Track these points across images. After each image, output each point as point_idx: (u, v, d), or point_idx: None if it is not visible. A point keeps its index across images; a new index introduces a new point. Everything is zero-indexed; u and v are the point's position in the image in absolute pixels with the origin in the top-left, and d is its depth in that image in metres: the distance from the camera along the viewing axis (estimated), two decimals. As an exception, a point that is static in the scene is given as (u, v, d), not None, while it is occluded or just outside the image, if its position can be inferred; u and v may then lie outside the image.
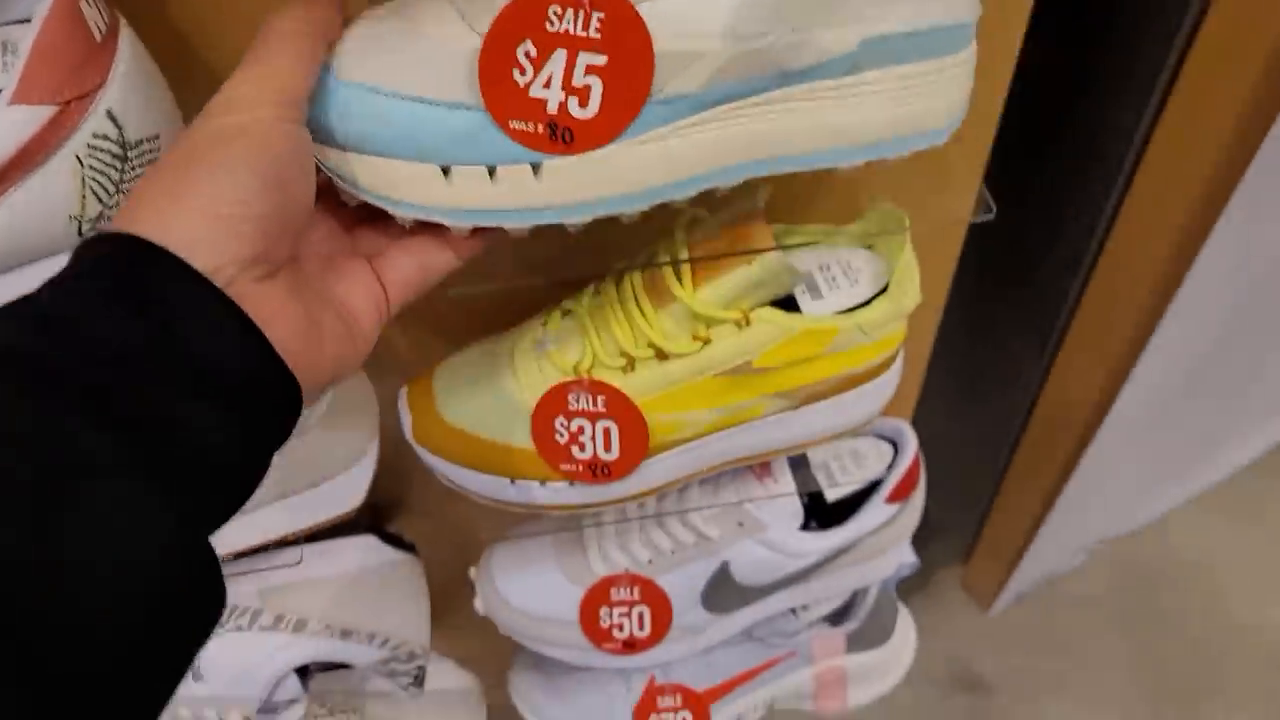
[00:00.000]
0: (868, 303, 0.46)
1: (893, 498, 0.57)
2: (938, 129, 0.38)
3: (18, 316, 0.26)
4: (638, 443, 0.44)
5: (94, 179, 0.34)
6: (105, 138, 0.35)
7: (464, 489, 0.47)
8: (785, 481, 0.57)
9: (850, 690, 0.69)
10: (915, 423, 0.61)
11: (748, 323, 0.43)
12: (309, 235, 0.34)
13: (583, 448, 0.44)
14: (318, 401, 0.43)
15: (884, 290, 0.46)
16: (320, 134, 0.33)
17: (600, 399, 0.44)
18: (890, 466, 0.58)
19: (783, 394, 0.45)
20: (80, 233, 0.34)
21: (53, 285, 0.27)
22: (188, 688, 0.53)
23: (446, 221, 0.34)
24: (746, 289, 0.43)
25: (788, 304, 0.45)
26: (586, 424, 0.44)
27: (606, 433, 0.44)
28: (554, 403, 0.44)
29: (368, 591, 0.56)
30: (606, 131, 0.33)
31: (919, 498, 0.59)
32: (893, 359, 0.48)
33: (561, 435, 0.44)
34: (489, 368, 0.46)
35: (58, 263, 0.28)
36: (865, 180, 0.39)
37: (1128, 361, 0.63)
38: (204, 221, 0.27)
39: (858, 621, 0.66)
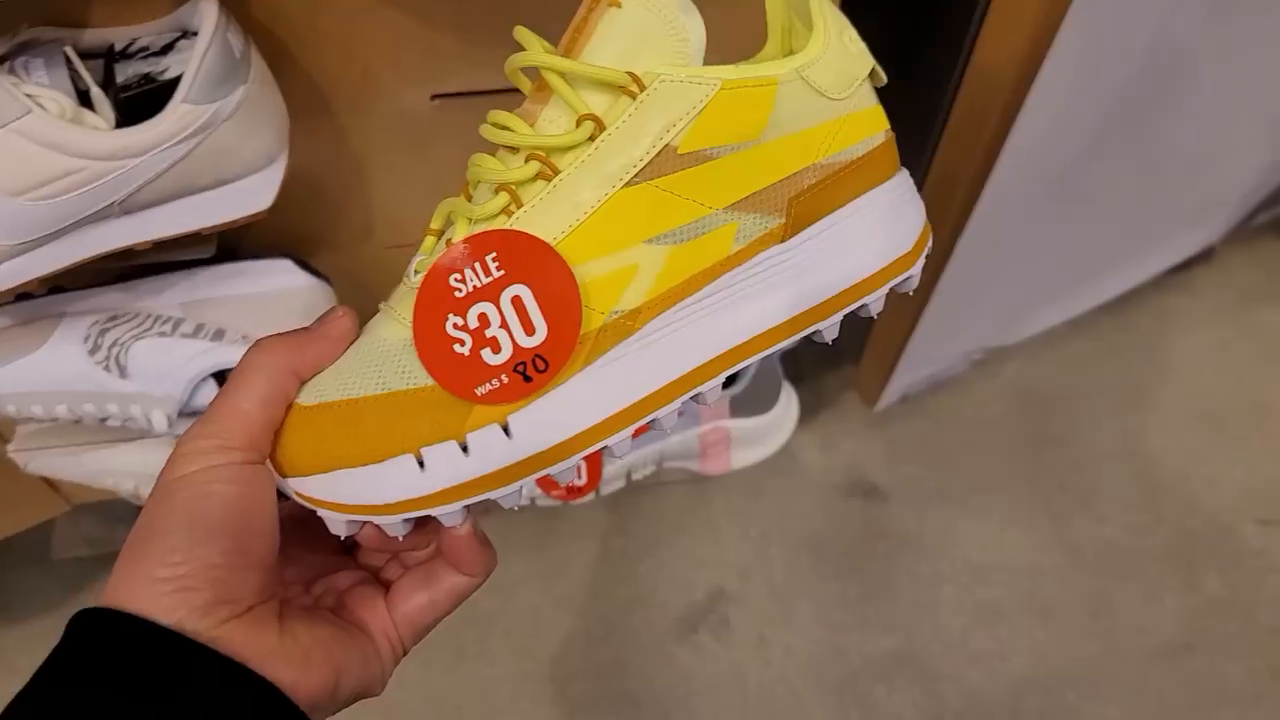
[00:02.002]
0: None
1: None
2: None
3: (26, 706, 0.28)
4: (564, 295, 0.32)
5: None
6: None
7: (352, 513, 0.33)
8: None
9: (733, 452, 0.76)
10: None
11: (640, 87, 0.32)
12: (303, 562, 0.36)
13: (497, 347, 0.32)
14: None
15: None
16: None
17: (491, 258, 0.32)
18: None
19: (753, 209, 0.34)
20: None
21: (44, 672, 0.29)
22: (116, 384, 0.59)
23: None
24: (628, 42, 0.33)
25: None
26: (489, 308, 0.32)
27: (518, 303, 0.32)
28: (433, 299, 0.32)
29: (282, 309, 0.61)
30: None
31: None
32: (891, 150, 0.38)
33: (461, 342, 0.32)
34: (360, 340, 0.35)
35: None
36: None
37: (992, 160, 0.68)
38: (149, 585, 0.29)
39: (742, 386, 0.72)
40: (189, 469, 0.31)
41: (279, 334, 0.34)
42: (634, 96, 0.33)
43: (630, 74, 0.33)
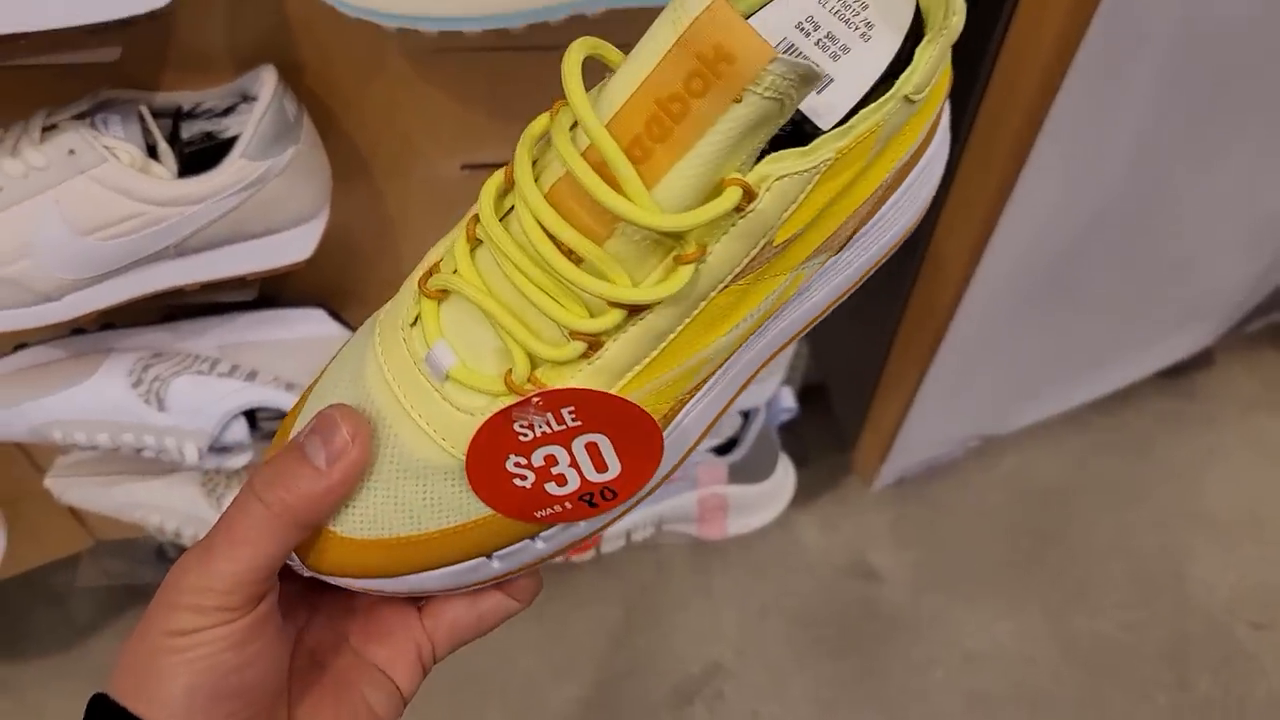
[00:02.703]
0: (902, 53, 0.31)
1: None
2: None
3: None
4: (643, 442, 0.30)
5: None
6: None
7: (430, 591, 0.33)
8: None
9: (730, 519, 0.79)
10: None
11: (749, 199, 0.27)
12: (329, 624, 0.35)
13: (563, 481, 0.30)
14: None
15: (917, 19, 0.31)
16: None
17: (568, 412, 0.29)
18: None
19: (820, 248, 0.31)
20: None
21: None
22: (154, 416, 0.64)
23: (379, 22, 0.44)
24: (731, 145, 0.26)
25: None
26: (558, 450, 0.30)
27: (592, 448, 0.30)
28: (495, 441, 0.30)
29: (312, 356, 0.66)
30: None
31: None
32: (939, 109, 0.32)
33: (523, 478, 0.30)
34: (385, 458, 0.31)
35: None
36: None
37: (980, 253, 0.73)
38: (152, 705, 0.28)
39: (741, 454, 0.76)
40: (187, 620, 0.29)
41: (280, 466, 0.30)
42: (742, 211, 0.27)
43: (742, 187, 0.27)
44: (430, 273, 0.31)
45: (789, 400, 0.75)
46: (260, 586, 0.29)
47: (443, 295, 0.31)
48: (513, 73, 0.57)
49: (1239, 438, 1.24)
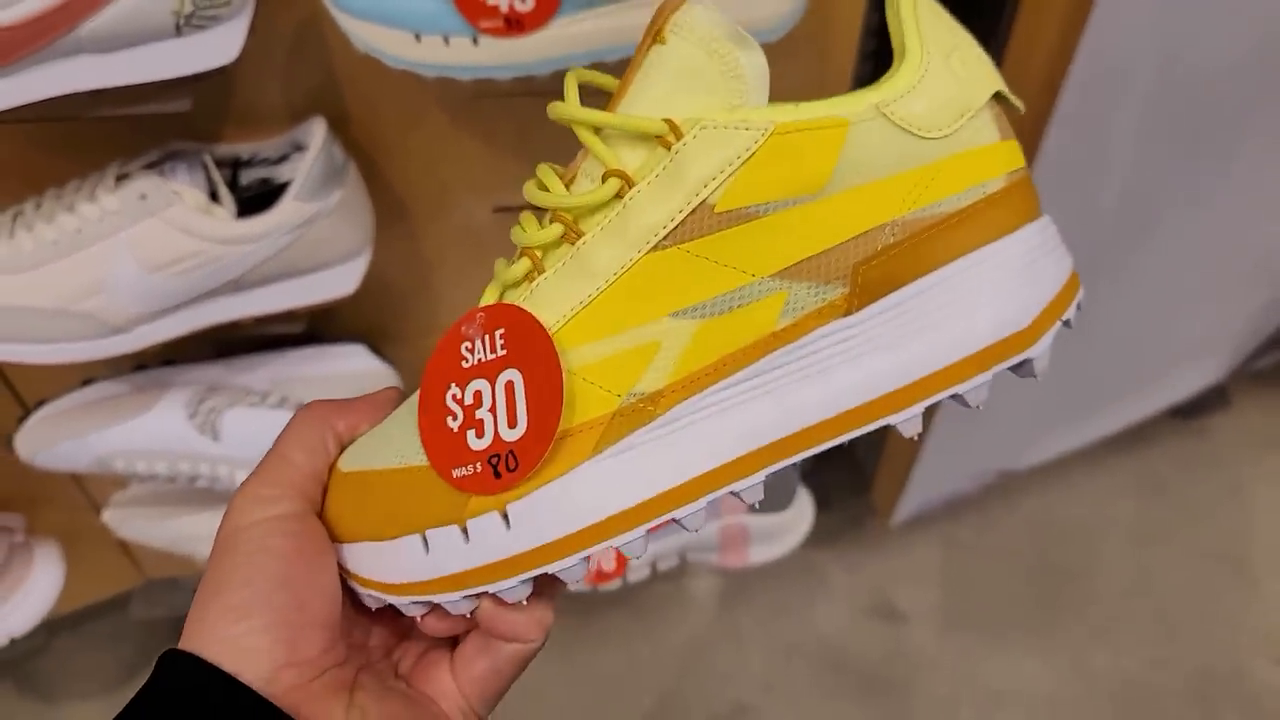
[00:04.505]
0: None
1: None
2: (777, 27, 0.52)
3: None
4: (549, 402, 0.29)
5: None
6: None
7: (366, 588, 0.32)
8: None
9: (752, 548, 0.82)
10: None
11: (677, 136, 0.28)
12: (389, 627, 0.35)
13: (481, 431, 0.30)
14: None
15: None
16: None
17: (500, 334, 0.30)
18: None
19: (808, 277, 0.29)
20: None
21: (133, 707, 0.30)
22: (209, 446, 0.68)
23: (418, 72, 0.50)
24: (667, 87, 0.29)
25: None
26: (484, 386, 0.30)
27: (510, 390, 0.30)
28: (444, 363, 0.31)
29: (354, 389, 0.70)
30: None
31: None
32: (1019, 195, 0.31)
33: (454, 415, 0.30)
34: (400, 409, 0.34)
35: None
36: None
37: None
38: (219, 644, 0.29)
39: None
40: (244, 521, 0.31)
41: (327, 399, 0.35)
42: (669, 147, 0.29)
43: (668, 121, 0.29)
44: None
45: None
46: (308, 483, 0.32)
47: None
48: (539, 118, 0.62)
49: (1257, 476, 1.25)
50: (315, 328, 0.69)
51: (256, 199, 0.60)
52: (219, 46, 0.51)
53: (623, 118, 0.29)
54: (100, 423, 0.66)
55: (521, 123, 0.63)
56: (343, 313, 0.63)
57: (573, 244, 0.30)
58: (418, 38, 0.50)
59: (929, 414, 0.79)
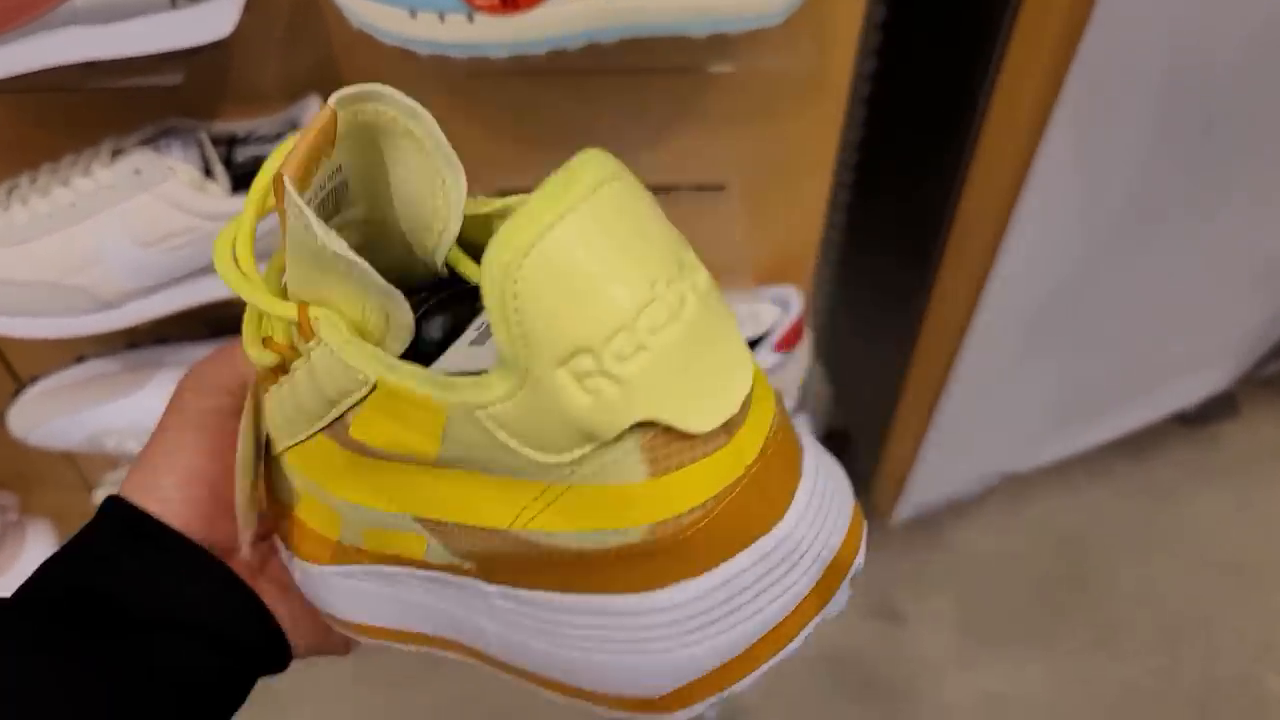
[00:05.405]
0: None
1: (779, 346, 0.70)
2: (774, 11, 0.52)
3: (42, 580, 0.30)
4: None
5: None
6: None
7: None
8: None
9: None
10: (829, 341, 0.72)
11: (311, 334, 0.24)
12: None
13: None
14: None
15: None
16: None
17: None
18: (777, 321, 0.71)
19: (436, 534, 0.26)
20: None
21: (65, 550, 0.30)
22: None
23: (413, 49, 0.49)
24: (292, 254, 0.24)
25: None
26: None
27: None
28: None
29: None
30: None
31: (803, 351, 0.72)
32: (675, 554, 0.23)
33: None
34: None
35: None
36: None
37: (981, 288, 0.76)
38: (158, 502, 0.31)
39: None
40: (204, 403, 0.32)
41: None
42: (307, 340, 0.24)
43: (300, 312, 0.24)
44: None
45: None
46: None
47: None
48: (534, 98, 0.62)
49: (1265, 486, 1.24)
50: (309, 309, 0.69)
51: (251, 177, 0.60)
52: (213, 20, 0.51)
53: (255, 290, 0.25)
54: (92, 401, 0.66)
55: (516, 102, 0.62)
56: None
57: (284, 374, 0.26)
58: (413, 14, 0.50)
59: (927, 414, 0.73)
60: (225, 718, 0.31)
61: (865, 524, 0.27)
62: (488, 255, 0.20)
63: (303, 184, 0.23)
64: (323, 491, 0.27)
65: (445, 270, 0.27)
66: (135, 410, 0.67)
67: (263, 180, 0.26)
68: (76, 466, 0.81)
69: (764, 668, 0.25)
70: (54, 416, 0.66)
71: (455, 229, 0.26)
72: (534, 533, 0.23)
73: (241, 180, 0.59)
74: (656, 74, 0.60)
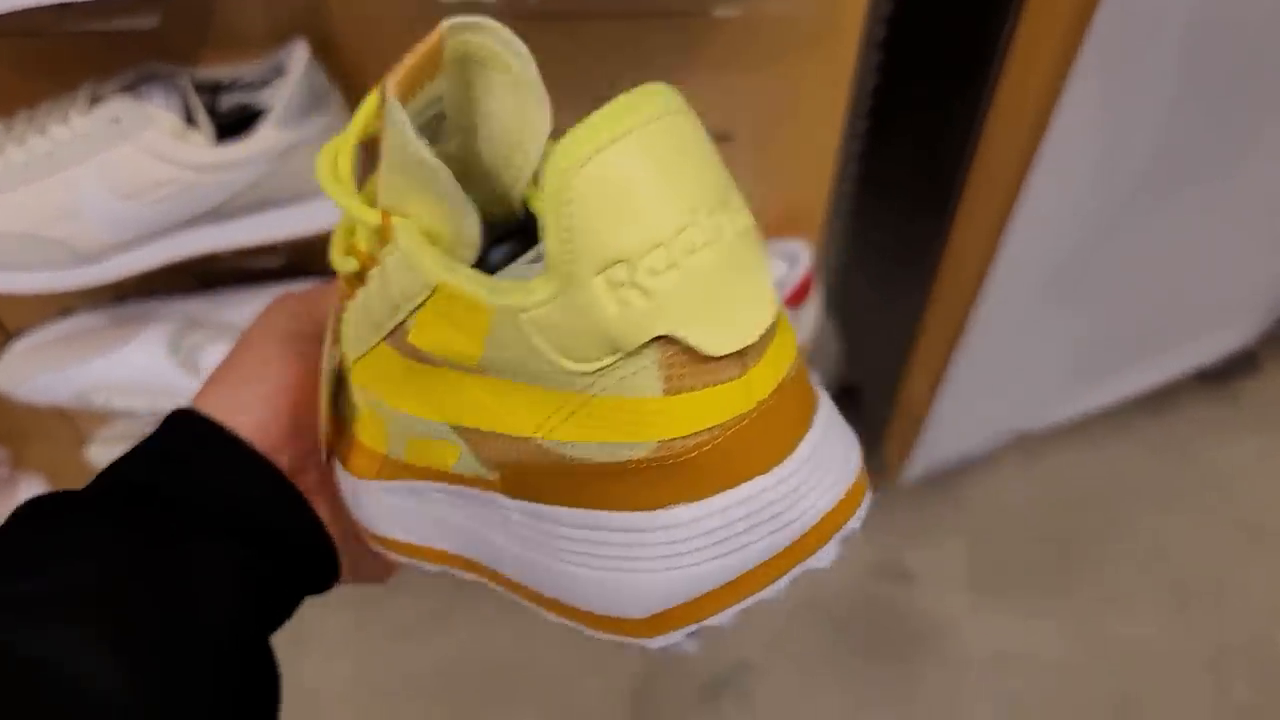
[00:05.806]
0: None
1: (787, 303, 0.68)
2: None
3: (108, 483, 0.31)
4: None
5: None
6: None
7: None
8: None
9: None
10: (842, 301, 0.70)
11: (383, 239, 0.25)
12: None
13: None
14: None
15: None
16: None
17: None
18: (785, 277, 0.69)
19: (467, 441, 0.27)
20: None
21: (134, 453, 0.32)
22: (188, 382, 0.66)
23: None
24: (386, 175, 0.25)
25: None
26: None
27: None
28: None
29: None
30: None
31: (812, 307, 0.70)
32: (678, 473, 0.24)
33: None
34: None
35: None
36: None
37: (998, 240, 0.73)
38: (234, 414, 0.32)
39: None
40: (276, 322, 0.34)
41: None
42: (385, 243, 0.25)
43: (384, 216, 0.25)
44: None
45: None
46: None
47: None
48: (528, 45, 0.59)
49: (1283, 444, 1.22)
50: (296, 262, 0.67)
51: (236, 126, 0.57)
52: (189, -42, 0.48)
53: (348, 195, 0.26)
54: (79, 356, 0.65)
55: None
56: (324, 248, 0.61)
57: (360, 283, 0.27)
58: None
59: (940, 368, 0.71)
60: (273, 629, 0.32)
61: (869, 492, 0.28)
62: (547, 163, 0.21)
63: (404, 99, 0.24)
64: (381, 404, 0.29)
65: (521, 210, 0.28)
66: (123, 366, 0.65)
67: (370, 101, 0.27)
68: (70, 421, 0.79)
69: (741, 605, 0.26)
70: (40, 373, 0.64)
71: (535, 167, 0.27)
72: (555, 443, 0.25)
73: (226, 130, 0.57)
74: (657, 18, 0.57)
